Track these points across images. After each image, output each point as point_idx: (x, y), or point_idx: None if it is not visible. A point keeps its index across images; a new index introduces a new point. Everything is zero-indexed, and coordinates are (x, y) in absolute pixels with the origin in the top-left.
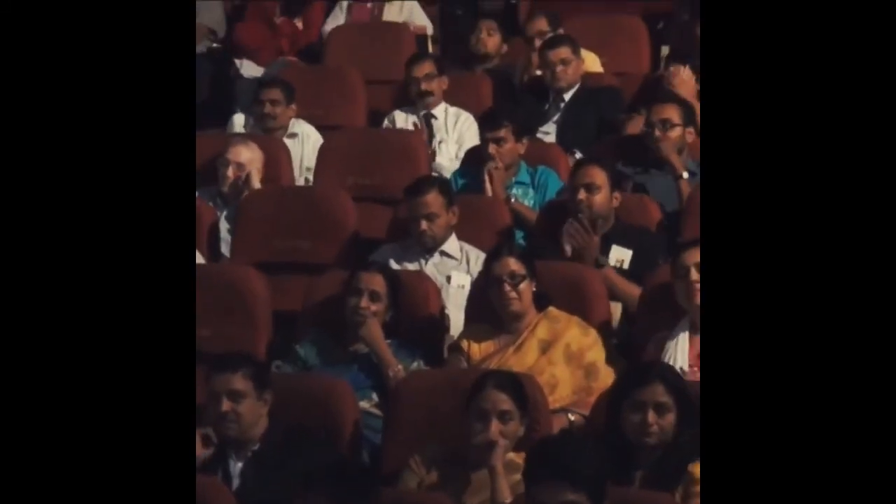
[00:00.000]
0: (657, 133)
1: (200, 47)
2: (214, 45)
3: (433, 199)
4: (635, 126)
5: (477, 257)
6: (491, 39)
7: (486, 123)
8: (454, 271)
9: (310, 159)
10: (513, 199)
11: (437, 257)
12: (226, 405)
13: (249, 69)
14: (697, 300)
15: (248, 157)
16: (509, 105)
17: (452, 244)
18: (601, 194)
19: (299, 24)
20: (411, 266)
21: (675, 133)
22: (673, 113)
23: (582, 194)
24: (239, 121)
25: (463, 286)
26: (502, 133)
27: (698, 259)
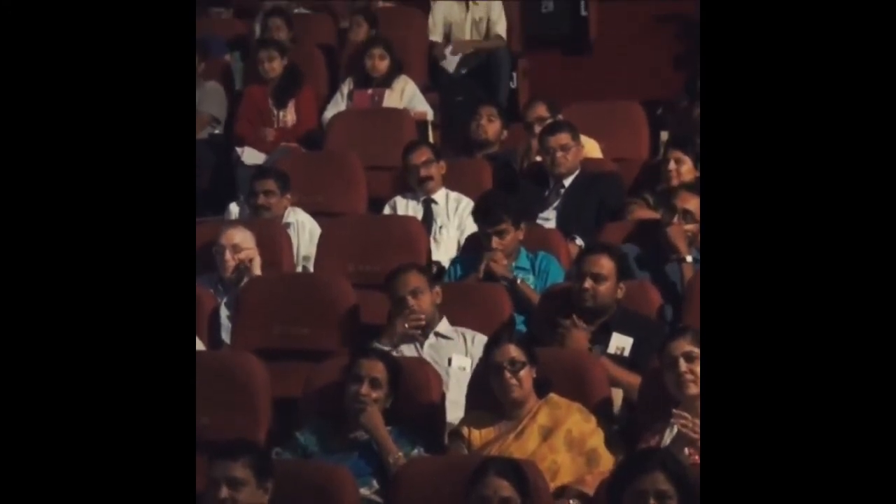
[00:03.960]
0: (675, 220)
1: (202, 134)
2: (216, 132)
3: (414, 276)
4: (638, 212)
5: (473, 337)
6: (491, 125)
7: (487, 219)
8: (455, 353)
9: (306, 248)
10: (519, 280)
11: (432, 339)
12: (224, 492)
13: (251, 156)
14: (686, 390)
15: (241, 237)
16: (504, 195)
17: (445, 325)
18: (607, 284)
19: (291, 114)
20: (408, 349)
21: (691, 227)
22: (697, 206)
23: (588, 283)
24: (235, 210)
25: (464, 368)
26: (503, 227)
27: (686, 349)
